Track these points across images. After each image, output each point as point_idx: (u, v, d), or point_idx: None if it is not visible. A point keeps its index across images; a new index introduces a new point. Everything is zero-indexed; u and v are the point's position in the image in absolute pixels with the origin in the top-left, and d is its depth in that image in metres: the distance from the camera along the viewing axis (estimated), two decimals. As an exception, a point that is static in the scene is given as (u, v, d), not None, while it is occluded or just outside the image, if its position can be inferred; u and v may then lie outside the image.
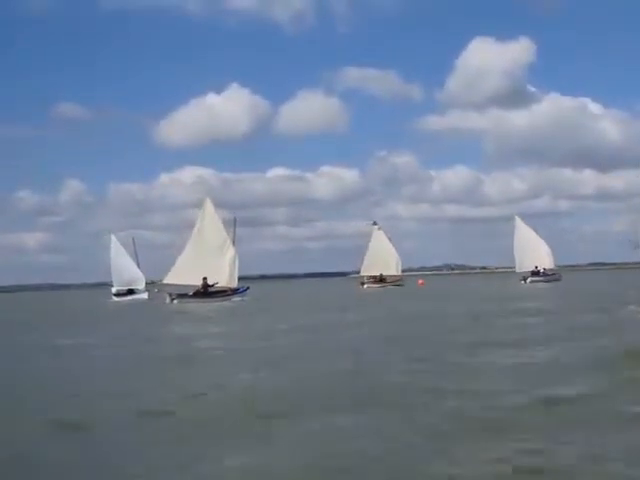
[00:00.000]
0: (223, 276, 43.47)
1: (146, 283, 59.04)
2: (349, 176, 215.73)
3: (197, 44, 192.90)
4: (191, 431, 7.61)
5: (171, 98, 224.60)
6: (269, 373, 11.80)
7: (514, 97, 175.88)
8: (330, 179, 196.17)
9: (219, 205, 46.89)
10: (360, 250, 72.36)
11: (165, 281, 45.35)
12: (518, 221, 69.71)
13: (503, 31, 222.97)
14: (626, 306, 23.90)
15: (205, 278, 42.07)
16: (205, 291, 42.30)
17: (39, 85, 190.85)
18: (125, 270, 58.39)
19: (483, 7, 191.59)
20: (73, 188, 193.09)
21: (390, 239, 71.28)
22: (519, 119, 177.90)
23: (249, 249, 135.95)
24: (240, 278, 45.77)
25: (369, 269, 69.14)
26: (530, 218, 74.51)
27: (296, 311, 32.47)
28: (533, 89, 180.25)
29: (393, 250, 70.30)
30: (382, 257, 68.59)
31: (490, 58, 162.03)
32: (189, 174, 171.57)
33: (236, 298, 42.84)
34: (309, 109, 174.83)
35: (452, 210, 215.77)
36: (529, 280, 61.19)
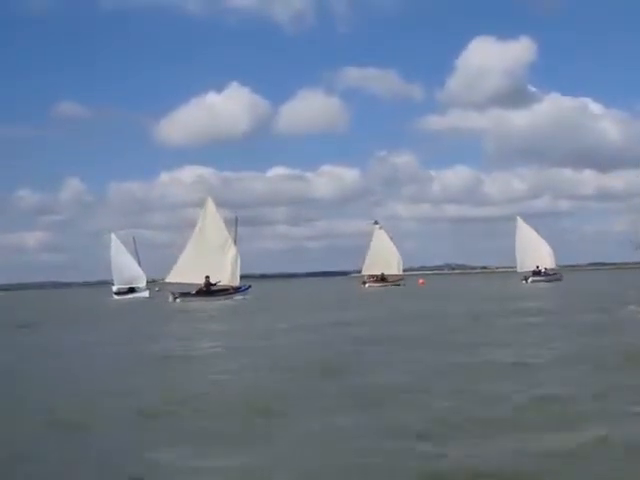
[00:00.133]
0: (225, 275, 43.60)
1: (147, 282, 59.13)
2: (349, 176, 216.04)
3: (197, 43, 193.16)
4: (191, 429, 7.66)
5: (171, 97, 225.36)
6: (270, 372, 11.83)
7: (515, 97, 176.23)
8: (330, 179, 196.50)
9: (219, 204, 47.04)
10: (361, 249, 72.56)
11: (167, 280, 45.44)
12: (520, 221, 69.77)
13: (504, 30, 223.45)
14: (627, 306, 23.91)
15: (208, 277, 42.21)
16: (208, 290, 42.42)
17: (39, 84, 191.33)
18: (126, 268, 58.42)
19: (484, 6, 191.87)
20: (73, 187, 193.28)
21: (392, 238, 71.46)
22: (519, 119, 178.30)
23: (249, 248, 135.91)
24: (241, 277, 45.85)
25: (371, 268, 69.18)
26: (530, 218, 74.87)
27: (298, 310, 32.47)
28: (534, 89, 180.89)
29: (394, 249, 70.36)
30: (383, 256, 68.66)
31: (491, 58, 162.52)
32: (189, 173, 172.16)
33: (238, 297, 42.93)
34: (309, 108, 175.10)
35: (452, 210, 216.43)
36: (530, 280, 61.21)
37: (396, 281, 67.03)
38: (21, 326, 27.31)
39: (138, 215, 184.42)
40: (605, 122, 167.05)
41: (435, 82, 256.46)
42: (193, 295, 42.13)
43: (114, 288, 59.22)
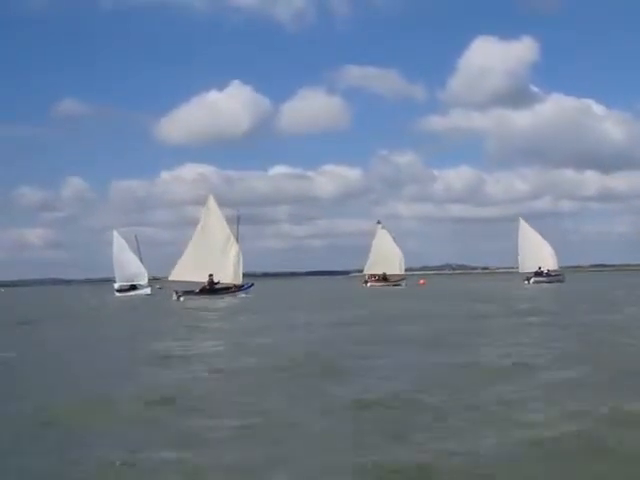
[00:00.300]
0: (227, 273, 43.61)
1: (148, 279, 59.01)
2: (351, 175, 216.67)
3: (198, 42, 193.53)
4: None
5: (172, 95, 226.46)
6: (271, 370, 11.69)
7: (517, 97, 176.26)
8: (332, 177, 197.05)
9: (221, 203, 46.97)
10: (362, 249, 72.57)
11: (170, 278, 45.37)
12: (522, 222, 69.67)
13: (506, 30, 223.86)
14: (631, 307, 24.31)
15: (211, 275, 42.21)
16: (211, 288, 42.42)
17: (41, 83, 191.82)
18: (127, 266, 58.31)
19: (486, 6, 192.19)
20: (75, 185, 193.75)
21: (394, 238, 71.45)
22: (521, 119, 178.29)
23: (251, 247, 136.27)
24: (243, 275, 45.75)
25: (373, 268, 69.20)
26: (532, 219, 75.01)
27: (301, 309, 32.30)
28: (536, 89, 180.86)
29: (397, 249, 70.35)
30: (386, 256, 68.65)
31: (493, 57, 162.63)
32: (190, 171, 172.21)
33: (241, 295, 42.95)
34: (311, 107, 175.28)
35: (454, 210, 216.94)
36: (532, 280, 61.12)
37: (397, 281, 66.98)
38: (22, 323, 27.16)
39: (139, 213, 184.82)
40: (607, 123, 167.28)
41: (437, 82, 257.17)
42: (196, 293, 42.16)
43: (116, 285, 59.09)
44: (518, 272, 67.97)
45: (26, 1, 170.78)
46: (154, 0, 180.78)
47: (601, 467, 5.90)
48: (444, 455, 6.30)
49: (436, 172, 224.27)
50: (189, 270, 42.79)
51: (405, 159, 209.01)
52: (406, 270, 74.10)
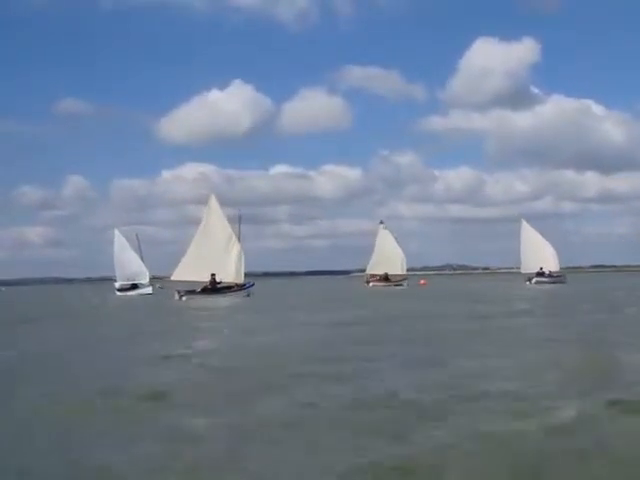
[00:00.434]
0: (229, 272, 43.60)
1: (149, 278, 58.89)
2: (352, 175, 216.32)
3: (200, 41, 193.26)
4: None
5: (173, 95, 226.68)
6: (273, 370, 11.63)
7: (517, 98, 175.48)
8: (333, 177, 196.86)
9: (221, 202, 46.79)
10: (362, 249, 72.64)
11: (173, 278, 45.31)
12: (524, 223, 69.67)
13: (507, 31, 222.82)
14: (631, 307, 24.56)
15: (214, 274, 42.21)
16: (213, 287, 42.42)
17: (41, 81, 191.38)
18: (129, 265, 58.20)
19: (487, 7, 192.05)
20: (76, 184, 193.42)
21: (396, 238, 71.48)
22: (522, 120, 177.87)
23: (251, 247, 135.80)
24: (244, 275, 45.69)
25: (375, 268, 69.24)
26: (532, 219, 74.82)
27: (305, 308, 32.29)
28: (536, 90, 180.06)
29: (399, 250, 70.37)
30: (388, 256, 68.70)
31: (493, 58, 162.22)
32: (191, 171, 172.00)
33: (243, 294, 42.91)
34: (312, 107, 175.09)
35: (454, 210, 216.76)
36: (534, 281, 61.10)
37: (399, 281, 66.97)
38: (22, 322, 27.15)
39: (140, 212, 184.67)
40: (608, 124, 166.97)
41: (437, 82, 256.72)
42: (198, 293, 42.15)
43: (117, 284, 58.92)
44: (520, 273, 68.02)
45: (26, 0, 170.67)
46: (154, 0, 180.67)
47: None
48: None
49: (436, 172, 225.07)
50: (191, 270, 42.78)
51: (405, 159, 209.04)
52: (407, 270, 74.09)
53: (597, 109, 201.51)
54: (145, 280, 58.19)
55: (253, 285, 45.30)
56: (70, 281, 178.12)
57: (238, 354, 14.68)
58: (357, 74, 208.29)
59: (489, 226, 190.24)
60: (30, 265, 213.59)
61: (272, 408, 8.51)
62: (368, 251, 71.84)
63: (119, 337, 19.41)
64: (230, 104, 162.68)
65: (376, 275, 68.37)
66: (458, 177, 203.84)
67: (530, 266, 65.59)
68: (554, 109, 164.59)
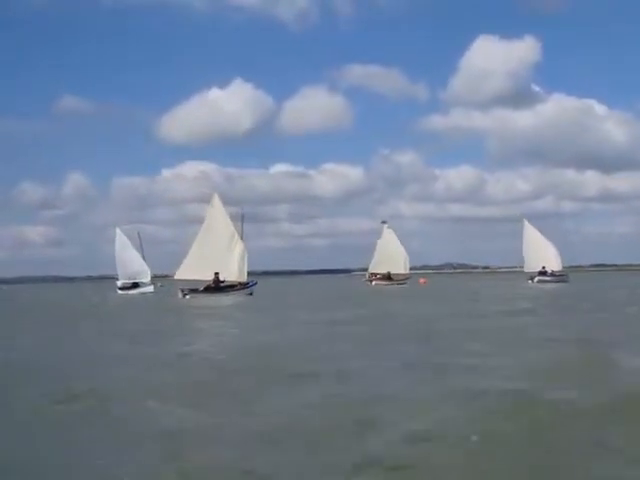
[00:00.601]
0: (232, 271, 43.68)
1: (150, 277, 58.88)
2: (352, 174, 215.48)
3: (201, 39, 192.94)
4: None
5: (174, 93, 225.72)
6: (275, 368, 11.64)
7: (518, 97, 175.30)
8: (333, 176, 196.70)
9: (222, 201, 46.75)
10: (363, 247, 72.79)
11: (176, 277, 45.32)
12: (526, 223, 69.70)
13: (508, 30, 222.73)
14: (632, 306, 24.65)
15: (217, 273, 42.30)
16: (216, 286, 42.48)
17: (41, 80, 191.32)
18: (130, 263, 58.16)
19: (488, 5, 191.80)
20: (76, 182, 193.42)
21: (399, 238, 71.55)
22: (523, 119, 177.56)
23: (252, 245, 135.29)
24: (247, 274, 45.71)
25: (378, 267, 69.33)
26: (533, 219, 74.60)
27: (308, 308, 32.28)
28: (537, 89, 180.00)
29: (402, 249, 70.50)
30: (391, 255, 68.82)
31: (494, 57, 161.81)
32: (191, 169, 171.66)
33: (246, 292, 43.02)
34: (313, 106, 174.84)
35: (455, 209, 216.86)
36: (536, 280, 61.16)
37: (401, 280, 67.07)
38: (22, 321, 27.17)
39: (140, 210, 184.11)
40: (609, 123, 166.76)
41: (438, 81, 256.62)
42: (201, 291, 42.21)
43: (118, 283, 58.80)
44: (521, 272, 68.09)
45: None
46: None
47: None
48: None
49: (437, 171, 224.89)
50: (194, 268, 42.84)
51: (406, 158, 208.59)
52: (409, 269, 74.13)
53: (599, 108, 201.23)
54: (147, 279, 58.14)
55: (256, 284, 45.28)
56: (70, 280, 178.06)
57: (238, 353, 14.70)
58: (358, 72, 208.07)
59: (490, 225, 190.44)
60: (30, 263, 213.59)
61: (272, 408, 8.52)
62: (369, 250, 72.07)
63: (118, 335, 19.41)
64: (230, 103, 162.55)
65: (378, 274, 68.47)
66: (459, 176, 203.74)
67: (533, 265, 65.65)
68: (555, 108, 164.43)
